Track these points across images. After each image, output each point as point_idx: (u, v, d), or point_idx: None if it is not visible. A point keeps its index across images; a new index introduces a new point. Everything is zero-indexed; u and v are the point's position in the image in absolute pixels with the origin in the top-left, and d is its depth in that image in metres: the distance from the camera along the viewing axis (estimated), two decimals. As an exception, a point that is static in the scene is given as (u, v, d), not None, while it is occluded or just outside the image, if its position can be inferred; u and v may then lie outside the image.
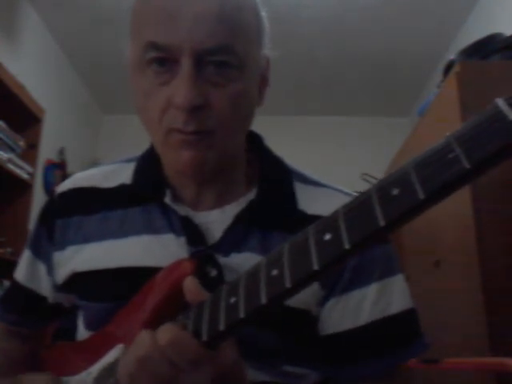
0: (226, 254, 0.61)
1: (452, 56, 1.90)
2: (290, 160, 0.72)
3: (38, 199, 2.59)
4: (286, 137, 3.34)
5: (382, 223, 0.32)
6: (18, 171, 2.32)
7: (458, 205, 1.61)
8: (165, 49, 0.54)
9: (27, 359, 0.77)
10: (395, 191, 0.33)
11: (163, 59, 0.55)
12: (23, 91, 2.39)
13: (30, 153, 2.47)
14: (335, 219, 0.37)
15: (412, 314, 0.64)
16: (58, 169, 3.03)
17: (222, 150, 0.59)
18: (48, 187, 2.89)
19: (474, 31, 2.35)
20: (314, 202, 0.66)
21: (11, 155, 2.26)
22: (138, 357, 0.45)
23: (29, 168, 2.42)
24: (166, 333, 0.45)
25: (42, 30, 2.85)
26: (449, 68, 1.86)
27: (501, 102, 0.30)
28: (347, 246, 0.34)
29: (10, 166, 2.25)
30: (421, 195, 0.31)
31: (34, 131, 2.55)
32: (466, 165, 0.30)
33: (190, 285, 0.49)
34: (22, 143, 2.36)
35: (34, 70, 2.74)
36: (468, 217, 1.53)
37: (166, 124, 0.56)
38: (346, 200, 0.38)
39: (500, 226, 1.48)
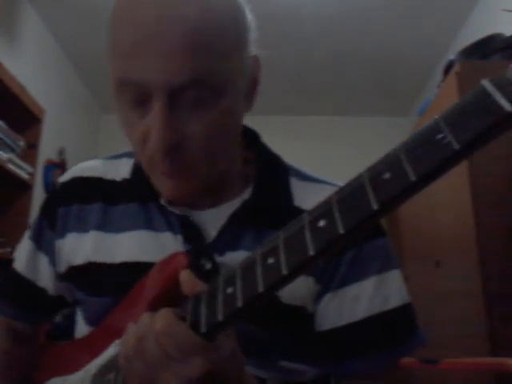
0: (221, 253, 0.61)
1: (452, 56, 1.91)
2: (289, 160, 0.72)
3: (38, 199, 2.59)
4: (286, 137, 3.34)
5: (375, 206, 0.33)
6: (18, 171, 2.32)
7: (459, 205, 1.61)
8: (136, 85, 0.52)
9: (20, 363, 0.76)
10: (387, 175, 0.33)
11: (136, 95, 0.53)
12: (23, 91, 2.40)
13: (30, 153, 2.47)
14: (329, 205, 0.37)
15: (409, 309, 0.64)
16: (58, 169, 3.03)
17: (207, 176, 0.59)
18: (48, 187, 2.89)
19: (474, 31, 2.35)
20: (309, 198, 0.65)
21: (11, 155, 2.26)
22: (136, 336, 0.46)
23: (29, 168, 2.42)
24: (162, 317, 0.45)
25: (42, 30, 2.85)
26: (449, 68, 1.87)
27: (486, 83, 0.31)
28: (341, 231, 0.34)
29: (10, 166, 2.25)
30: (412, 177, 0.32)
31: (34, 131, 2.55)
32: (455, 144, 0.30)
33: (186, 276, 0.49)
34: (22, 143, 2.36)
35: (34, 70, 2.74)
36: (468, 217, 1.53)
37: (147, 153, 0.56)
38: None
39: (500, 227, 1.48)
